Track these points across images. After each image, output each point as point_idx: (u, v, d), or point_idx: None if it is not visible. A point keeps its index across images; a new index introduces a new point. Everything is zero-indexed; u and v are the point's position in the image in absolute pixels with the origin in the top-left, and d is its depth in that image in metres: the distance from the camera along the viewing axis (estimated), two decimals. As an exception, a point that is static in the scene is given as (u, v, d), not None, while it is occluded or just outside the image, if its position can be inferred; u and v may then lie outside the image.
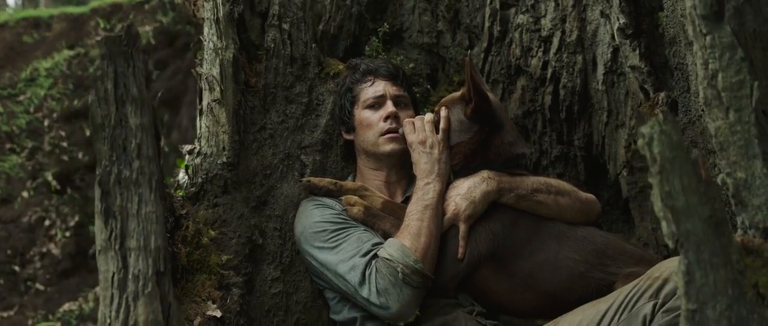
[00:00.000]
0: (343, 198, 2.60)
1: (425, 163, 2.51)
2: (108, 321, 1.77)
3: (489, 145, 2.50)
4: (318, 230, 2.53)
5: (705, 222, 1.54)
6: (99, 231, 1.80)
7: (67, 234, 4.93)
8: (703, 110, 2.14)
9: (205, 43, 2.61)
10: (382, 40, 3.23)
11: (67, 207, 5.07)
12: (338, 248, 2.47)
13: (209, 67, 2.58)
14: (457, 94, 2.60)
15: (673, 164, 1.54)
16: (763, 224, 1.63)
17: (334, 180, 2.66)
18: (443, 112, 2.56)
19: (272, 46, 2.80)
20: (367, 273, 2.39)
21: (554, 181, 2.55)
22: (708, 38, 1.63)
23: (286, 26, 2.83)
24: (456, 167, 2.54)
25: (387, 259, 2.38)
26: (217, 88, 2.55)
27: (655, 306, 2.06)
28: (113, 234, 1.77)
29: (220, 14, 2.57)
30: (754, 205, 1.63)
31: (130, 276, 1.76)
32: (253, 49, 2.81)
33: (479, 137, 2.50)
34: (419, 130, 2.56)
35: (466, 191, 2.48)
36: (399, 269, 2.35)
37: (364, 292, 2.39)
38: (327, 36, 3.15)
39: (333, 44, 3.16)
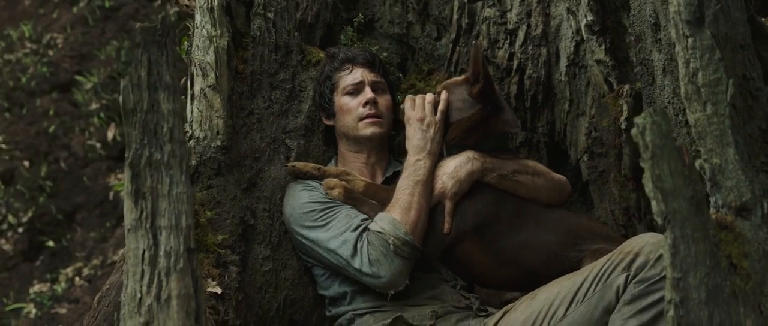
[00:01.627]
0: (322, 182, 2.74)
1: (419, 139, 2.68)
2: (139, 295, 1.88)
3: (489, 123, 2.70)
4: (307, 210, 2.67)
5: (688, 201, 1.77)
6: (129, 210, 1.90)
7: (20, 229, 4.90)
8: (669, 102, 2.38)
9: (197, 30, 2.70)
10: (356, 29, 3.37)
11: (18, 202, 5.02)
12: (328, 225, 2.62)
13: (202, 54, 2.68)
14: (460, 78, 2.79)
15: (663, 151, 1.75)
16: (735, 203, 1.87)
17: (318, 166, 2.81)
18: (444, 95, 2.73)
19: (258, 34, 2.91)
20: (358, 245, 2.55)
21: (531, 163, 2.76)
22: (690, 40, 1.85)
23: (270, 15, 2.95)
24: (453, 141, 2.70)
25: (378, 232, 2.54)
26: (212, 74, 2.66)
27: (627, 277, 2.28)
28: (143, 213, 1.88)
29: (215, 3, 2.68)
30: (727, 187, 1.87)
31: (161, 253, 1.87)
32: (239, 36, 2.92)
33: (480, 115, 2.69)
34: (419, 107, 2.72)
35: (453, 170, 2.66)
36: (390, 241, 2.51)
37: (356, 263, 2.54)
38: (304, 25, 3.26)
39: (310, 33, 3.28)
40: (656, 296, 2.21)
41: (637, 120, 1.75)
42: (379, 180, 2.88)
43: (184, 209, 1.88)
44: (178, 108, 1.86)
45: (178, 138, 1.87)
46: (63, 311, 4.20)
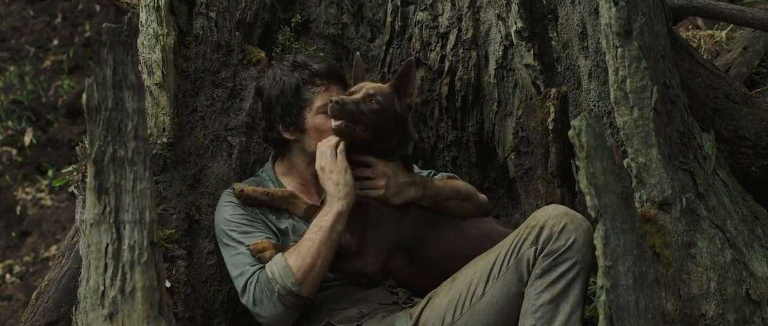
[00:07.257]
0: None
1: (328, 186, 2.67)
2: (102, 288, 1.93)
3: (405, 133, 2.81)
4: (226, 229, 2.68)
5: (618, 196, 1.95)
6: (91, 206, 1.95)
7: None
8: (594, 105, 2.58)
9: (143, 29, 2.74)
10: (293, 30, 3.46)
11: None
12: (237, 252, 2.65)
13: (148, 52, 2.72)
14: (385, 85, 2.86)
15: (596, 150, 1.93)
16: (658, 198, 2.07)
17: (266, 190, 2.77)
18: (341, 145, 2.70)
19: (201, 33, 2.97)
20: (248, 282, 2.59)
21: (463, 188, 2.87)
22: (619, 50, 2.04)
23: (213, 14, 3.01)
24: (372, 141, 2.70)
25: (269, 276, 2.57)
26: (158, 72, 2.70)
27: (536, 250, 2.43)
28: (107, 208, 1.93)
29: (161, 2, 2.72)
30: (651, 184, 2.07)
31: (124, 247, 1.93)
32: (181, 35, 2.97)
33: (405, 125, 2.79)
34: (322, 155, 2.69)
35: (401, 184, 2.71)
36: (276, 288, 2.55)
37: (244, 299, 2.61)
38: (243, 24, 3.33)
39: (248, 32, 3.35)
40: (564, 267, 2.38)
41: (574, 122, 1.92)
42: None
43: (148, 204, 1.95)
44: (142, 106, 1.92)
45: (142, 135, 1.94)
46: (-6, 308, 4.12)
